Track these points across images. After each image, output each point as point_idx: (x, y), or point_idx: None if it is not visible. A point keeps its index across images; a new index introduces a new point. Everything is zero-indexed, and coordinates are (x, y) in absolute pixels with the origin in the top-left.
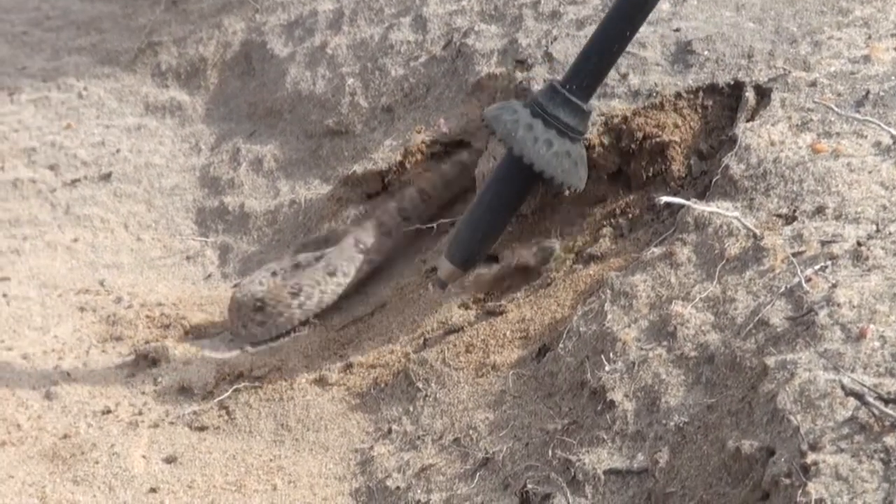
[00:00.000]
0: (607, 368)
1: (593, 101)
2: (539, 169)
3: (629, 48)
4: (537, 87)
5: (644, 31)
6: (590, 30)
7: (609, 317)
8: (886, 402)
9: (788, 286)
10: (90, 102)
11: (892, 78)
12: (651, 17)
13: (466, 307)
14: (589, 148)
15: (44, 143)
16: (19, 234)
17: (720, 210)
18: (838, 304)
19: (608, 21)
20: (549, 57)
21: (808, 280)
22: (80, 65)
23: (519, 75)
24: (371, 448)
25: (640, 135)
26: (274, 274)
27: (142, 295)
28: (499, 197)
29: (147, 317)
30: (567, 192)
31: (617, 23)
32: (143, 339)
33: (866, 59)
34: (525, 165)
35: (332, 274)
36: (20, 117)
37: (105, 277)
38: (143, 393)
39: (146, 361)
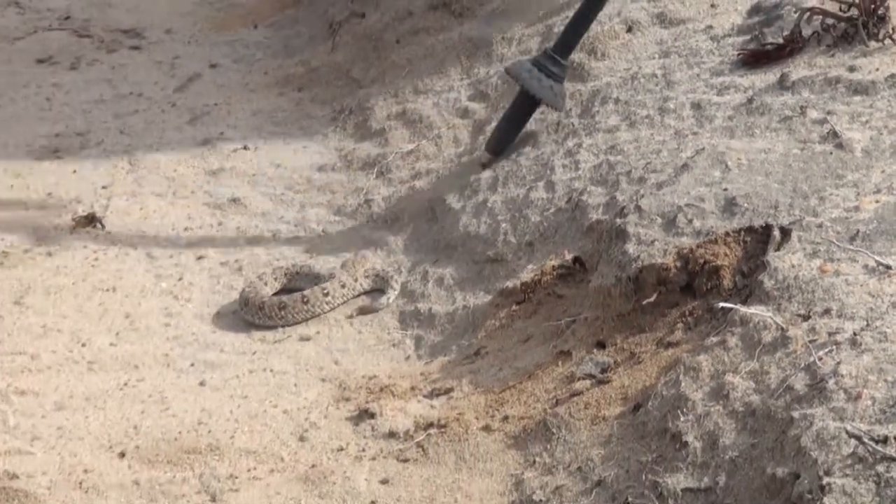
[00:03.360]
0: (682, 419)
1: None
2: (533, 93)
3: (696, 204)
4: (631, 229)
5: (703, 191)
6: (667, 190)
7: (682, 384)
8: (876, 442)
9: (806, 363)
10: None
11: (875, 221)
12: (707, 179)
13: (585, 378)
14: (666, 269)
15: None
16: None
17: (758, 311)
18: (842, 375)
19: (579, 9)
20: (638, 209)
21: (820, 359)
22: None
23: (618, 220)
24: (522, 473)
25: (701, 260)
26: None
27: (363, 370)
28: (513, 112)
29: (367, 386)
30: (553, 110)
31: (583, 8)
32: (365, 399)
33: (857, 208)
34: (527, 93)
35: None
36: None
37: (338, 359)
38: (365, 437)
39: (367, 415)
